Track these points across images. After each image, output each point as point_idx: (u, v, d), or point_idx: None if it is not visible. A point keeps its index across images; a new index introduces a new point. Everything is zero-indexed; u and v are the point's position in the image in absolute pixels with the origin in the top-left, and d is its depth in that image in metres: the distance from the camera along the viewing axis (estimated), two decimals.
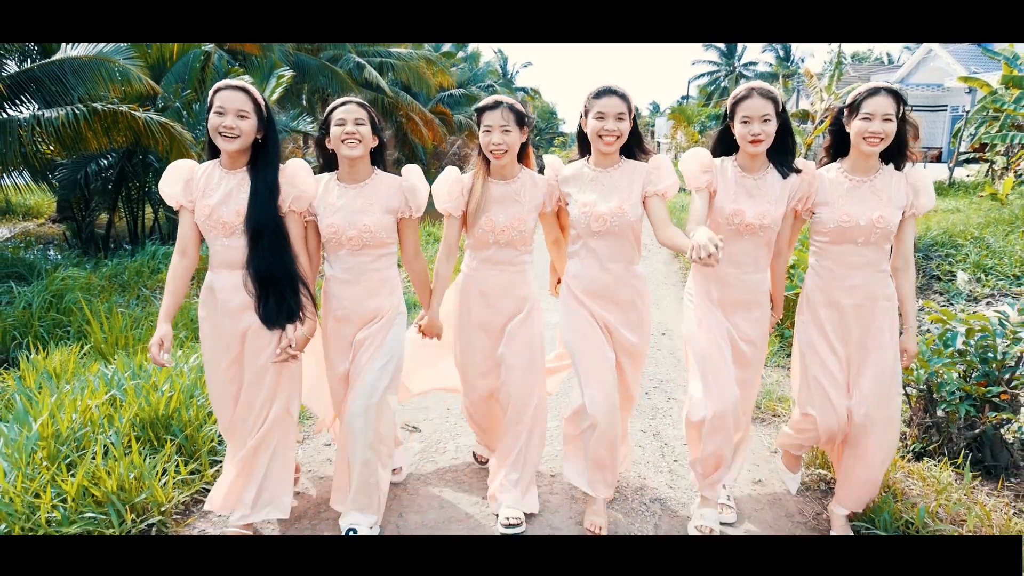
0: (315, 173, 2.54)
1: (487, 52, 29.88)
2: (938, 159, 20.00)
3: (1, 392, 3.23)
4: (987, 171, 14.65)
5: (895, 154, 2.42)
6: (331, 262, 2.51)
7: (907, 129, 2.38)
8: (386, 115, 16.49)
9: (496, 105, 2.48)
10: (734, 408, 2.43)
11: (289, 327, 2.30)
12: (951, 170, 15.68)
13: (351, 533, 2.38)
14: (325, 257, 2.55)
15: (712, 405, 2.41)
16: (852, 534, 2.56)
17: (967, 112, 15.09)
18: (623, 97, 2.42)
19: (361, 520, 2.40)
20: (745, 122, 2.38)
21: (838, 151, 2.51)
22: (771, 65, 33.34)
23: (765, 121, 2.36)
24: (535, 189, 2.60)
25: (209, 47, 9.41)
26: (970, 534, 2.46)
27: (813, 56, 36.43)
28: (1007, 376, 3.09)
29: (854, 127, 2.36)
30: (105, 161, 8.77)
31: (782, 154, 2.47)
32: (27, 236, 10.72)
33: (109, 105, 7.98)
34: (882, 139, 2.31)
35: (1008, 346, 3.12)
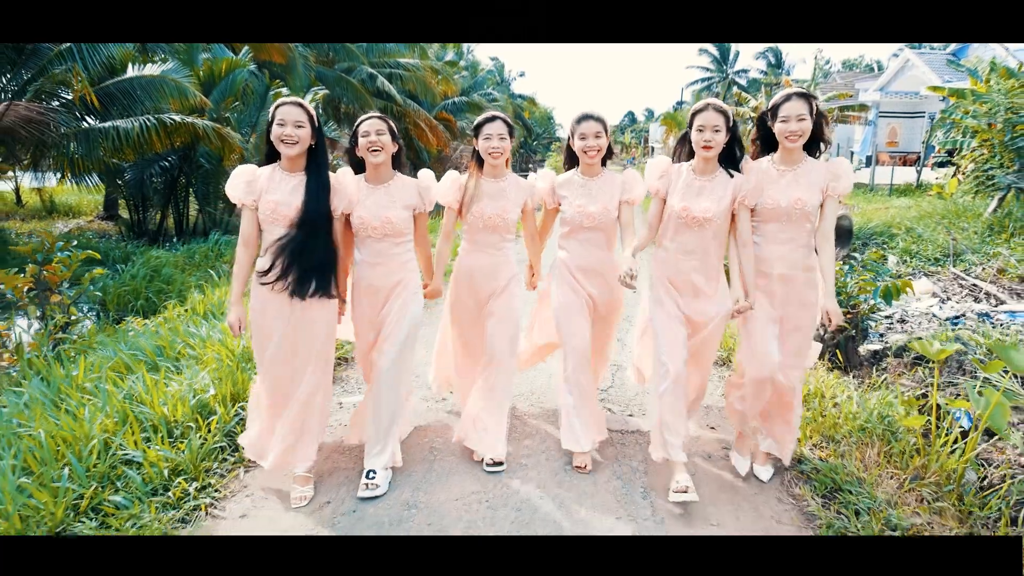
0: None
1: (485, 61, 31.76)
2: (916, 163, 21.77)
3: (180, 316, 4.93)
4: (954, 173, 16.30)
5: (813, 144, 2.85)
6: (360, 248, 3.00)
7: (821, 123, 2.79)
8: (395, 122, 18.20)
9: (494, 119, 3.11)
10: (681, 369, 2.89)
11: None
12: (918, 172, 17.53)
13: (371, 475, 2.84)
14: (356, 245, 3.02)
15: (665, 378, 2.89)
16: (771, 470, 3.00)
17: (931, 120, 16.91)
18: (599, 120, 3.08)
19: (377, 463, 2.87)
20: (700, 130, 2.81)
21: (766, 148, 2.97)
22: (764, 72, 35.23)
23: (716, 131, 2.79)
24: (518, 189, 3.19)
25: (252, 66, 11.14)
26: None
27: (805, 63, 38.30)
28: (852, 303, 4.83)
29: (776, 128, 2.79)
30: (167, 163, 10.48)
31: (731, 159, 2.91)
32: (82, 231, 12.39)
33: (174, 116, 9.68)
34: (800, 135, 2.73)
35: (856, 284, 4.87)
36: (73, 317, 4.75)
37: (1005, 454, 3.13)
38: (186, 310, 5.12)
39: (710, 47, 37.89)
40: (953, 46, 23.98)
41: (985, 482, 2.83)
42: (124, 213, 13.75)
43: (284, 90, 11.33)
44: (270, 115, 2.74)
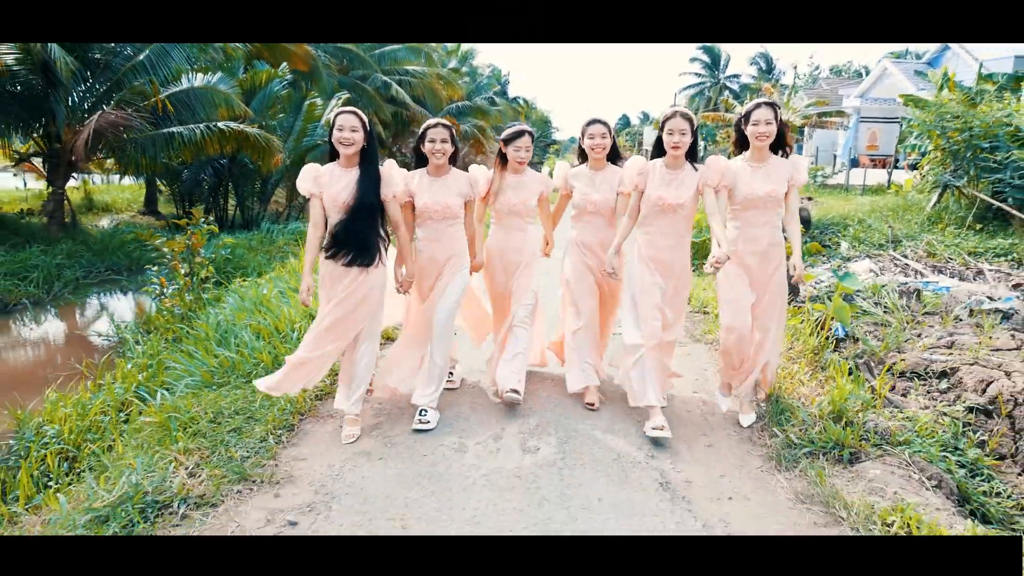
0: (409, 169, 3.78)
1: (484, 69, 33.89)
2: (887, 165, 23.94)
3: (283, 275, 6.84)
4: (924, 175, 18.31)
5: (778, 145, 3.62)
6: (422, 228, 3.73)
7: (784, 129, 3.58)
8: (405, 126, 20.21)
9: (523, 133, 3.85)
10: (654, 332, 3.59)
11: (398, 271, 3.56)
12: (889, 174, 19.69)
13: (423, 412, 3.52)
14: (417, 225, 3.74)
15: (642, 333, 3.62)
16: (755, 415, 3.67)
17: (901, 126, 19.04)
18: (604, 124, 3.86)
19: (427, 392, 3.60)
20: (670, 133, 3.52)
21: (742, 147, 3.70)
22: (754, 78, 37.53)
23: (682, 134, 3.50)
24: (535, 181, 3.94)
25: (289, 76, 13.09)
26: None
27: (796, 68, 40.53)
28: None
29: (748, 131, 3.54)
30: (219, 164, 12.39)
31: (692, 155, 3.65)
32: (129, 224, 14.24)
33: (229, 124, 11.54)
34: (768, 136, 3.50)
35: None
36: (208, 274, 6.67)
37: (858, 345, 5.10)
38: (286, 271, 7.06)
39: (701, 54, 40.27)
40: (929, 54, 26.29)
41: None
42: (162, 209, 15.62)
43: (318, 100, 13.30)
44: (331, 121, 3.41)
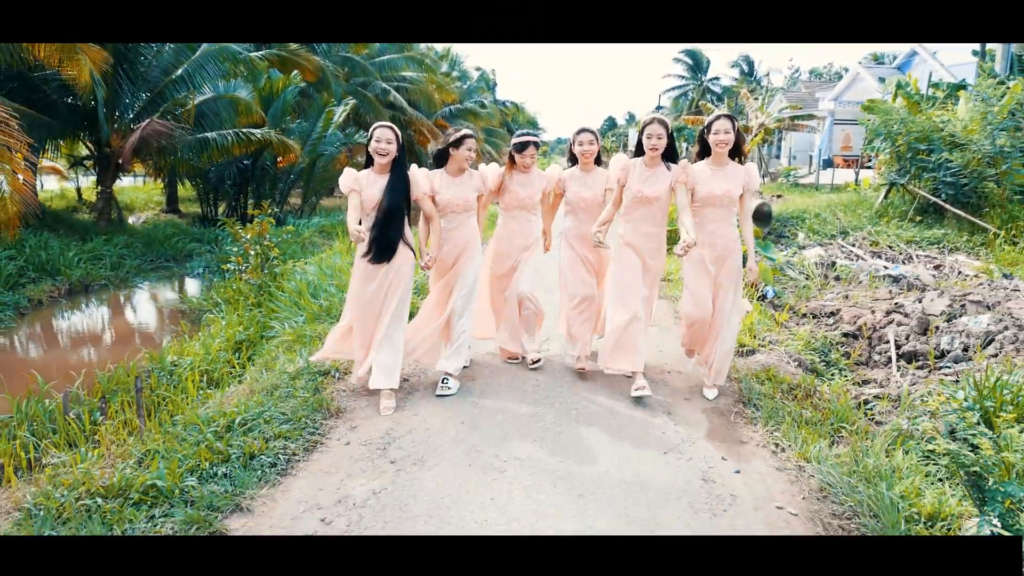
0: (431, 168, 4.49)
1: (473, 72, 35.92)
2: (855, 165, 26.15)
3: (340, 250, 8.71)
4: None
5: (735, 152, 4.25)
6: (443, 219, 4.41)
7: (741, 138, 4.23)
8: (402, 129, 22.09)
9: (529, 144, 4.55)
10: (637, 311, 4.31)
11: (425, 254, 4.24)
12: (856, 174, 21.88)
13: (446, 380, 4.36)
14: (439, 216, 4.39)
15: (626, 312, 4.34)
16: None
17: (866, 128, 21.19)
18: (591, 132, 4.59)
19: (452, 368, 4.41)
20: (648, 137, 4.23)
21: (703, 153, 4.32)
22: (736, 80, 39.88)
23: (659, 138, 4.21)
24: (540, 179, 4.66)
25: (302, 85, 14.97)
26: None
27: (780, 73, 42.90)
28: None
29: (710, 139, 4.19)
30: (243, 165, 14.23)
31: (670, 156, 4.34)
32: (159, 221, 15.97)
33: (253, 131, 13.38)
34: (726, 144, 4.15)
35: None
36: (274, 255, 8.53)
37: (783, 299, 7.07)
38: (334, 252, 8.94)
39: (684, 56, 42.66)
40: (899, 59, 28.62)
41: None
42: (182, 207, 17.39)
43: (337, 108, 15.21)
44: (369, 134, 4.14)
